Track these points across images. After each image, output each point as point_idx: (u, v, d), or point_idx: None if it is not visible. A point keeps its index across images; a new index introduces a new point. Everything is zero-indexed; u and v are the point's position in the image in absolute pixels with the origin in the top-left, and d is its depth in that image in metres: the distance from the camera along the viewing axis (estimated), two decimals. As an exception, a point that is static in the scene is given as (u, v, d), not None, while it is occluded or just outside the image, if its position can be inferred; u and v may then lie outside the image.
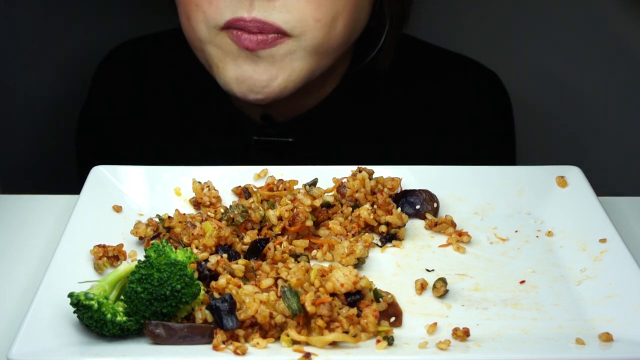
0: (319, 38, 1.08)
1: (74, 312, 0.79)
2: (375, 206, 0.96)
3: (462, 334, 0.79)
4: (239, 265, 0.85)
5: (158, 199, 0.99)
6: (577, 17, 1.59)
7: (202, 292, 0.82)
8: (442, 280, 0.87)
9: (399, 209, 0.96)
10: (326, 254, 0.91)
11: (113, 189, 0.99)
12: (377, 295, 0.83)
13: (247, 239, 0.91)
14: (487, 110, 1.29)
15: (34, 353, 0.74)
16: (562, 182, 1.00)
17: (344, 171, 1.01)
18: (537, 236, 0.96)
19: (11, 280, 0.90)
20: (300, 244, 0.91)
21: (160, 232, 0.93)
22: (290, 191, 0.97)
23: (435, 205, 0.99)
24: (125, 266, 0.82)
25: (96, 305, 0.77)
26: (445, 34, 1.51)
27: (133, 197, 0.99)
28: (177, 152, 1.26)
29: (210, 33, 1.08)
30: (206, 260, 0.85)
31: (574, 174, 1.01)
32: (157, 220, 0.94)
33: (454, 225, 0.96)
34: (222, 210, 0.94)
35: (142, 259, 0.80)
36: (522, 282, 0.88)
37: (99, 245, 0.89)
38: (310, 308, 0.79)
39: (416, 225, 0.98)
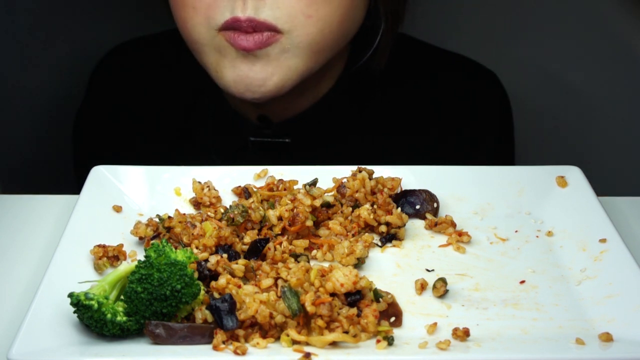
0: (312, 35, 1.07)
1: (74, 312, 0.79)
2: (375, 206, 0.96)
3: (462, 334, 0.79)
4: (239, 265, 0.85)
5: (158, 199, 0.99)
6: (576, 17, 1.59)
7: (202, 292, 0.82)
8: (442, 280, 0.87)
9: (399, 209, 0.96)
10: (326, 254, 0.91)
11: (113, 189, 0.99)
12: (377, 295, 0.83)
13: (247, 239, 0.91)
14: (486, 110, 1.29)
15: (34, 353, 0.74)
16: (562, 182, 1.00)
17: (344, 171, 1.01)
18: (537, 236, 0.96)
19: (11, 280, 0.90)
20: (300, 244, 0.91)
21: (160, 232, 0.93)
22: (290, 191, 0.97)
23: (435, 205, 0.99)
24: (125, 266, 0.82)
25: (96, 305, 0.77)
26: (443, 34, 1.51)
27: (133, 197, 0.99)
28: (174, 153, 1.25)
29: (208, 35, 1.08)
30: (206, 260, 0.85)
31: (574, 174, 1.01)
32: (157, 220, 0.94)
33: (454, 225, 0.96)
34: (222, 210, 0.94)
35: (142, 259, 0.80)
36: (522, 282, 0.88)
37: (99, 245, 0.89)
38: (310, 308, 0.79)
39: (416, 225, 0.98)
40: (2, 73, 1.48)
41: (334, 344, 0.78)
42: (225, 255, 0.86)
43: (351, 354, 0.77)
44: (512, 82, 1.38)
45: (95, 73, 1.36)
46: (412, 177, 1.01)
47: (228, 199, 1.00)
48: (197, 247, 0.89)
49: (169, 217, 0.94)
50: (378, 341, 0.78)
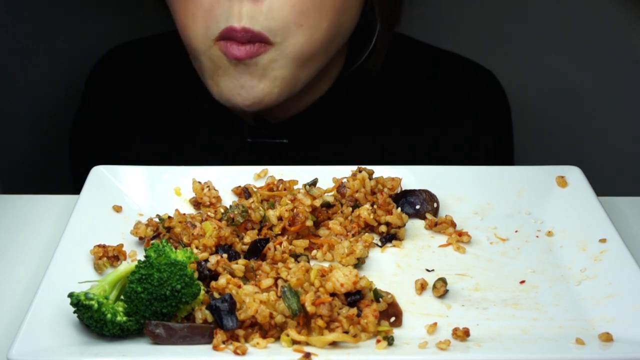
0: (300, 44, 1.07)
1: (74, 312, 0.79)
2: (375, 206, 0.96)
3: (462, 334, 0.79)
4: (239, 265, 0.85)
5: (158, 199, 0.99)
6: (576, 16, 1.59)
7: (202, 292, 0.82)
8: (442, 280, 0.87)
9: (399, 209, 0.96)
10: (326, 254, 0.91)
11: (113, 189, 0.99)
12: (377, 295, 0.83)
13: (247, 239, 0.91)
14: (485, 110, 1.29)
15: (34, 353, 0.74)
16: (562, 182, 1.00)
17: (344, 171, 1.01)
18: (537, 236, 0.96)
19: (11, 280, 0.90)
20: (300, 244, 0.91)
21: (160, 232, 0.93)
22: (290, 191, 0.97)
23: (435, 205, 0.99)
24: (125, 266, 0.82)
25: (96, 305, 0.77)
26: (442, 34, 1.51)
27: (133, 197, 0.99)
28: (171, 155, 1.25)
29: (205, 45, 1.09)
30: (206, 260, 0.85)
31: (574, 174, 1.01)
32: (157, 220, 0.94)
33: (454, 225, 0.96)
34: (222, 210, 0.94)
35: (142, 259, 0.80)
36: (522, 282, 0.88)
37: (99, 245, 0.89)
38: (310, 308, 0.79)
39: (416, 225, 0.98)
40: (2, 73, 1.48)
41: (334, 344, 0.78)
42: (225, 255, 0.86)
43: (351, 354, 0.77)
44: (513, 82, 1.38)
45: (93, 74, 1.37)
46: (412, 177, 1.01)
47: (228, 199, 1.00)
48: (197, 247, 0.89)
49: (169, 217, 0.94)
50: (378, 341, 0.78)
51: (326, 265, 0.86)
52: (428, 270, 0.90)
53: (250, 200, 0.96)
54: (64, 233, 0.90)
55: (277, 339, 0.79)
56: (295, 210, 0.92)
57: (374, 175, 0.99)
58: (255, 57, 1.07)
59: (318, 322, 0.79)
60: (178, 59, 1.21)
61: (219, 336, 0.78)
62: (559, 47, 1.61)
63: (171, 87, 1.30)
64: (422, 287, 0.87)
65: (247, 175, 1.02)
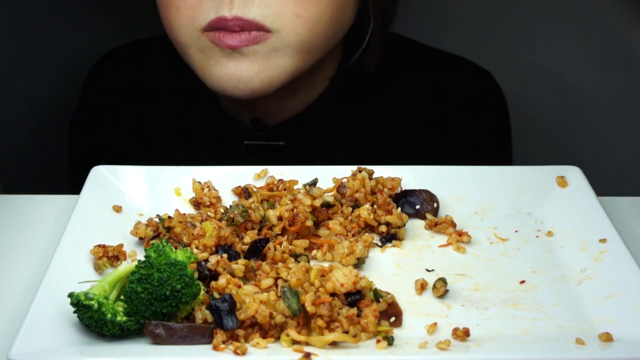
0: (301, 34, 1.07)
1: (74, 312, 0.79)
2: (375, 206, 0.96)
3: (462, 334, 0.79)
4: (239, 265, 0.85)
5: (158, 199, 0.99)
6: (576, 15, 1.59)
7: (202, 292, 0.82)
8: (442, 280, 0.87)
9: (399, 209, 0.96)
10: (326, 254, 0.91)
11: (113, 189, 0.99)
12: (377, 295, 0.83)
13: (247, 239, 0.91)
14: (482, 111, 1.28)
15: (34, 353, 0.74)
16: (562, 182, 1.00)
17: (344, 171, 1.01)
18: (537, 236, 0.96)
19: (11, 280, 0.90)
20: (300, 244, 0.91)
21: (160, 232, 0.93)
22: (290, 191, 0.97)
23: (435, 205, 0.99)
24: (125, 266, 0.82)
25: (96, 305, 0.77)
26: (439, 34, 1.51)
27: (133, 197, 0.99)
28: (167, 157, 1.25)
29: (192, 36, 1.08)
30: (206, 260, 0.85)
31: (574, 174, 1.01)
32: (157, 220, 0.94)
33: (454, 225, 0.96)
34: (222, 210, 0.94)
35: (142, 259, 0.80)
36: (522, 282, 0.88)
37: (99, 245, 0.89)
38: (310, 308, 0.79)
39: (416, 225, 0.98)
40: (2, 74, 1.48)
41: (334, 344, 0.78)
42: (225, 255, 0.86)
43: (351, 354, 0.77)
44: (513, 83, 1.38)
45: (91, 76, 1.36)
46: (412, 177, 1.01)
47: (228, 199, 1.00)
48: (197, 247, 0.89)
49: (169, 217, 0.94)
50: (378, 341, 0.78)
51: (326, 265, 0.86)
52: (428, 270, 0.90)
53: (250, 200, 0.96)
54: (64, 233, 0.90)
55: (277, 339, 0.79)
56: (295, 210, 0.92)
57: (374, 175, 0.99)
58: (253, 46, 1.06)
59: (318, 322, 0.79)
60: (174, 60, 1.20)
61: (219, 336, 0.78)
62: (559, 47, 1.62)
63: (169, 88, 1.30)
64: (422, 287, 0.87)
65: (247, 175, 1.02)
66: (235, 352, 0.76)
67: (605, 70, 1.59)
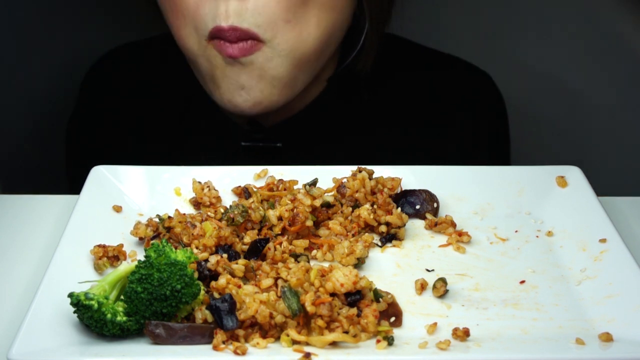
0: (291, 40, 1.07)
1: (74, 312, 0.79)
2: (375, 206, 0.96)
3: (462, 334, 0.79)
4: (239, 265, 0.85)
5: (158, 199, 0.99)
6: (575, 14, 1.59)
7: (202, 292, 0.82)
8: (442, 280, 0.87)
9: (399, 209, 0.96)
10: (326, 254, 0.91)
11: (113, 189, 0.99)
12: (377, 295, 0.83)
13: (247, 239, 0.91)
14: (480, 111, 1.28)
15: (34, 353, 0.74)
16: (562, 182, 1.00)
17: (344, 171, 1.01)
18: (537, 236, 0.96)
19: (11, 280, 0.90)
20: (300, 244, 0.91)
21: (160, 232, 0.93)
22: (290, 191, 0.97)
23: (435, 205, 0.99)
24: (125, 266, 0.82)
25: (96, 305, 0.77)
26: (437, 35, 1.51)
27: (133, 197, 0.99)
28: (165, 158, 1.25)
29: (199, 46, 1.08)
30: (206, 260, 0.85)
31: (574, 174, 1.01)
32: (157, 220, 0.94)
33: (454, 225, 0.96)
34: (222, 210, 0.94)
35: (142, 259, 0.80)
36: (522, 282, 0.88)
37: (99, 245, 0.89)
38: (310, 308, 0.79)
39: (416, 225, 0.98)
40: (2, 74, 1.48)
41: (334, 344, 0.78)
42: (225, 255, 0.86)
43: (351, 354, 0.77)
44: (513, 83, 1.38)
45: (89, 76, 1.36)
46: (412, 177, 1.01)
47: (228, 199, 1.00)
48: (197, 247, 0.89)
49: (169, 217, 0.94)
50: (378, 341, 0.78)
51: (326, 265, 0.86)
52: (428, 270, 0.90)
53: (250, 200, 0.96)
54: (64, 233, 0.90)
55: (277, 339, 0.79)
56: (295, 210, 0.92)
57: (374, 175, 0.99)
58: (250, 55, 1.06)
59: (318, 322, 0.79)
60: (173, 61, 1.20)
61: (219, 336, 0.78)
62: (558, 47, 1.61)
63: (167, 89, 1.29)
64: (422, 287, 0.87)
65: (247, 175, 1.02)
66: (235, 352, 0.76)
67: (606, 70, 1.59)
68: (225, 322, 0.79)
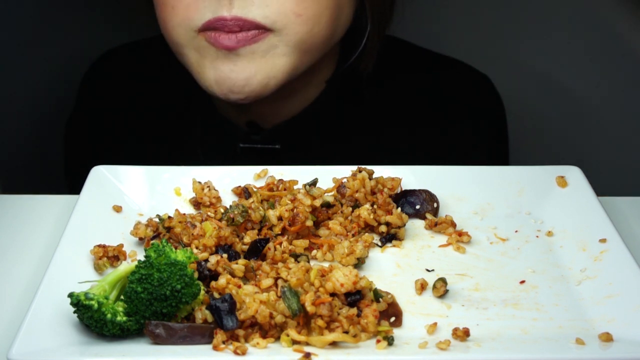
0: (301, 34, 1.07)
1: (74, 312, 0.79)
2: (375, 206, 0.96)
3: (462, 334, 0.79)
4: (239, 265, 0.85)
5: (158, 199, 0.99)
6: (575, 15, 1.59)
7: (202, 292, 0.82)
8: (442, 280, 0.87)
9: (399, 209, 0.96)
10: (326, 254, 0.91)
11: (113, 189, 0.99)
12: (377, 295, 0.83)
13: (247, 239, 0.91)
14: (479, 113, 1.28)
15: (34, 353, 0.74)
16: (562, 182, 1.00)
17: (344, 171, 1.01)
18: (537, 236, 0.96)
19: (11, 280, 0.90)
20: (300, 244, 0.91)
21: (160, 232, 0.93)
22: (290, 191, 0.97)
23: (435, 205, 0.99)
24: (125, 266, 0.82)
25: (96, 305, 0.77)
26: (436, 37, 1.51)
27: (133, 197, 0.99)
28: (162, 159, 1.25)
29: (187, 36, 1.08)
30: (206, 260, 0.85)
31: (574, 174, 1.01)
32: (157, 220, 0.94)
33: (454, 225, 0.96)
34: (222, 210, 0.94)
35: (142, 259, 0.80)
36: (522, 282, 0.88)
37: (99, 245, 0.89)
38: (310, 308, 0.79)
39: (416, 225, 0.98)
40: (1, 74, 1.48)
41: (334, 344, 0.78)
42: (225, 255, 0.86)
43: (351, 354, 0.77)
44: (513, 84, 1.38)
45: (87, 76, 1.36)
46: (412, 177, 1.01)
47: (228, 199, 1.00)
48: (197, 247, 0.89)
49: (169, 217, 0.94)
50: (378, 341, 0.78)
51: (326, 265, 0.86)
52: (428, 270, 0.90)
53: (250, 200, 0.96)
54: (64, 233, 0.90)
55: (277, 339, 0.79)
56: (295, 210, 0.92)
57: (374, 175, 0.99)
58: (250, 45, 1.06)
59: (318, 322, 0.79)
60: (170, 62, 1.20)
61: (219, 336, 0.78)
62: (558, 47, 1.61)
63: (165, 90, 1.29)
64: (422, 287, 0.87)
65: (247, 175, 1.02)
66: (235, 352, 0.76)
67: (606, 70, 1.59)
68: (225, 322, 0.79)
